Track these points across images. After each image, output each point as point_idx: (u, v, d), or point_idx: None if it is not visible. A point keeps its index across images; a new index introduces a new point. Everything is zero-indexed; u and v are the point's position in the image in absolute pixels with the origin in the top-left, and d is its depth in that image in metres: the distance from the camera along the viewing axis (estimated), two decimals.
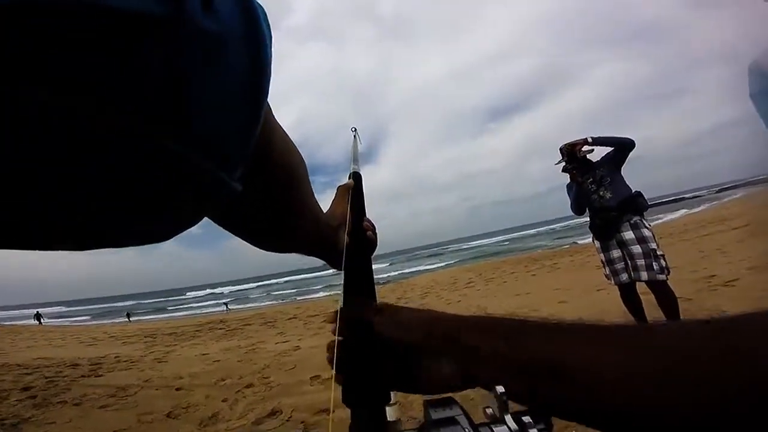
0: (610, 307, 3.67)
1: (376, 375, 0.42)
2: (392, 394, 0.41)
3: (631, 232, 2.58)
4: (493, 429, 0.29)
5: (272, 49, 0.21)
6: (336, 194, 0.55)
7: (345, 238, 0.48)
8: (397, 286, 13.67)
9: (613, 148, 2.76)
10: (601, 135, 2.79)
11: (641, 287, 2.65)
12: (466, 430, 0.26)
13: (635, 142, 2.71)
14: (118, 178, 0.16)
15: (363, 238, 0.53)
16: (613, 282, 2.76)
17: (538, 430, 0.30)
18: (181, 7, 0.15)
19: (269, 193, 0.29)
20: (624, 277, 2.65)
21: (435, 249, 77.80)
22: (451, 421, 0.27)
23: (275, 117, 0.27)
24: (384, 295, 10.65)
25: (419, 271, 25.04)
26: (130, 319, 23.89)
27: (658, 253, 2.50)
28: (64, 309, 60.58)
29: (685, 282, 4.05)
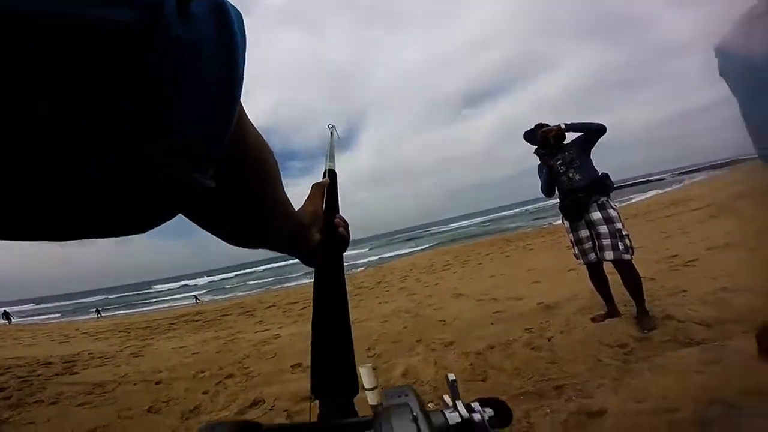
0: (579, 287, 3.85)
1: (347, 368, 0.44)
2: (375, 378, 0.44)
3: (598, 212, 2.68)
4: (446, 414, 0.32)
5: (245, 54, 0.21)
6: (310, 191, 0.56)
7: (317, 235, 0.49)
8: (377, 270, 13.80)
9: (583, 133, 2.85)
10: (573, 121, 2.86)
11: (608, 267, 2.78)
12: (414, 413, 0.28)
13: (606, 127, 2.79)
14: (103, 180, 0.16)
15: (335, 235, 0.54)
16: (582, 261, 2.87)
17: (487, 415, 0.33)
18: (156, 16, 0.15)
19: (242, 190, 0.30)
20: (592, 256, 2.76)
21: (414, 233, 78.48)
22: (403, 406, 0.29)
23: (246, 113, 0.27)
24: (363, 280, 10.76)
25: (398, 255, 25.24)
26: (100, 314, 23.15)
27: (623, 233, 2.61)
28: (33, 307, 58.19)
29: (648, 262, 4.26)
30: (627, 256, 2.58)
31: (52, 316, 30.94)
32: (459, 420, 0.32)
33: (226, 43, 0.19)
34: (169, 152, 0.18)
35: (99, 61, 0.14)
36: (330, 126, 0.99)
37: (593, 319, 2.93)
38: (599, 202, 2.70)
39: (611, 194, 2.77)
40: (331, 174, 0.69)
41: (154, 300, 31.42)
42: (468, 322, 3.83)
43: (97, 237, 0.20)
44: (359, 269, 16.92)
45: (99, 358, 5.52)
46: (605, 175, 2.77)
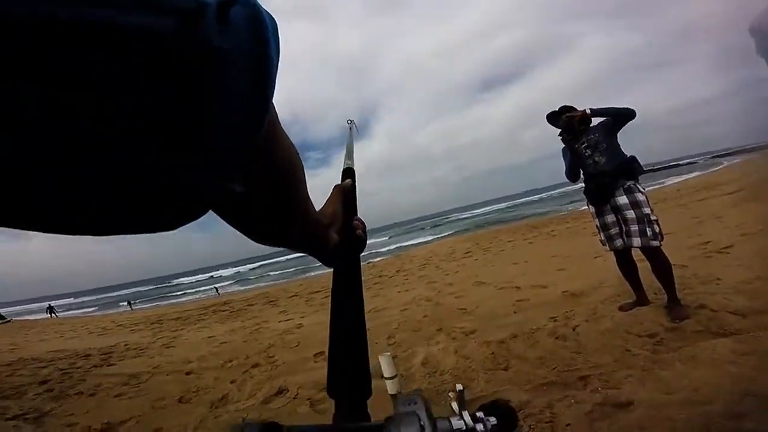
0: (606, 275, 3.74)
1: (362, 368, 0.45)
2: (394, 368, 0.44)
3: (625, 197, 2.57)
4: (451, 421, 0.33)
5: (278, 63, 0.22)
6: (331, 193, 0.57)
7: (335, 237, 0.50)
8: (396, 258, 13.83)
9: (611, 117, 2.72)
10: (594, 106, 2.74)
11: (637, 253, 2.67)
12: (422, 422, 0.30)
13: (635, 111, 2.65)
14: (118, 179, 0.17)
15: (353, 237, 0.55)
16: (608, 248, 2.77)
17: (491, 423, 0.34)
18: (195, 25, 0.16)
19: (270, 191, 0.31)
20: (619, 242, 2.67)
21: (432, 220, 78.14)
22: (411, 414, 0.31)
23: (279, 119, 0.29)
24: (382, 268, 10.81)
25: (417, 243, 25.21)
26: (132, 307, 24.34)
27: (652, 218, 2.49)
28: (72, 300, 61.60)
29: (680, 248, 4.10)
30: (656, 243, 2.47)
31: (89, 309, 32.64)
32: (463, 428, 0.33)
33: (260, 53, 0.20)
34: (198, 160, 0.18)
35: (134, 69, 0.15)
36: (349, 121, 0.97)
37: (621, 308, 2.84)
38: (626, 186, 2.59)
39: (639, 178, 2.65)
40: (348, 173, 0.68)
41: (181, 293, 32.54)
42: (490, 311, 3.79)
43: (130, 233, 0.20)
44: (378, 258, 17.00)
45: (134, 349, 5.78)
46: (633, 158, 2.64)
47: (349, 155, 0.75)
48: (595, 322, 2.75)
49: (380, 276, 9.09)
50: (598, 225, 2.79)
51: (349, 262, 0.54)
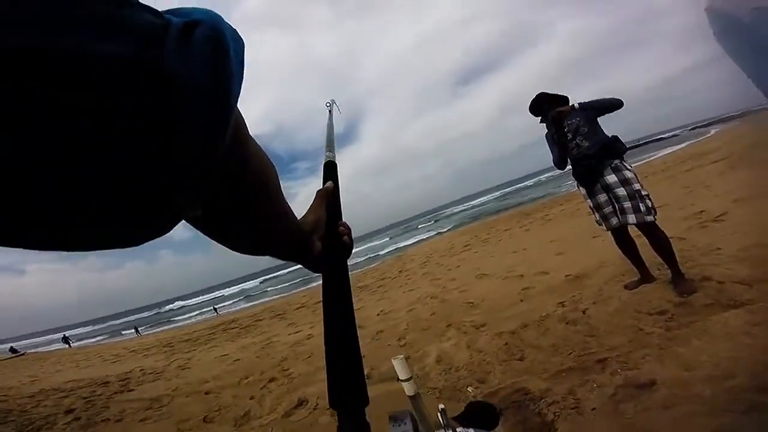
0: (606, 254, 3.78)
1: (355, 376, 0.45)
2: (408, 369, 0.45)
3: (613, 175, 2.60)
4: None
5: (242, 81, 0.22)
6: (314, 198, 0.56)
7: (319, 244, 0.50)
8: (397, 260, 13.83)
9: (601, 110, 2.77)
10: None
11: (635, 230, 2.70)
12: None
13: (623, 102, 2.71)
14: (77, 200, 0.17)
15: (338, 242, 0.53)
16: (605, 227, 2.80)
17: None
18: (154, 47, 0.16)
19: (244, 202, 0.32)
20: (614, 221, 2.69)
21: (429, 216, 78.14)
22: None
23: (248, 127, 0.29)
24: (385, 270, 10.81)
25: (417, 242, 25.20)
26: (138, 333, 24.42)
27: (643, 193, 2.53)
28: (83, 330, 61.12)
29: (675, 220, 4.15)
30: (650, 218, 2.49)
31: (99, 338, 32.48)
32: None
33: (221, 74, 0.20)
34: (158, 183, 0.19)
35: (91, 94, 0.15)
36: (328, 103, 0.87)
37: (626, 287, 2.86)
38: (613, 165, 2.61)
39: (625, 156, 2.68)
40: (330, 167, 0.65)
41: (185, 316, 32.23)
42: (496, 302, 3.80)
43: (99, 248, 0.21)
44: (379, 261, 17.02)
45: (150, 373, 5.77)
46: (615, 138, 2.68)
47: (330, 146, 0.70)
48: (603, 304, 2.77)
49: (383, 278, 9.09)
50: (592, 206, 2.83)
51: (336, 269, 0.52)
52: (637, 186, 2.54)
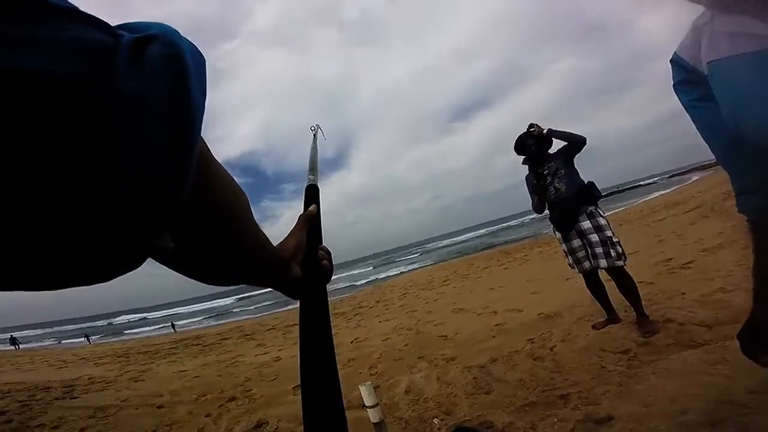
0: (578, 296, 3.85)
1: (334, 404, 0.43)
2: (375, 397, 0.44)
3: (588, 221, 2.70)
4: None
5: (204, 102, 0.21)
6: (296, 223, 0.53)
7: (297, 270, 0.48)
8: (376, 289, 13.74)
9: (566, 143, 2.89)
10: (558, 129, 2.92)
11: (605, 274, 2.79)
12: None
13: (586, 139, 2.84)
14: (46, 239, 0.16)
15: (318, 267, 0.51)
16: (577, 270, 2.88)
17: None
18: (104, 66, 0.15)
19: (212, 233, 0.29)
20: (586, 265, 2.78)
21: (411, 249, 78.21)
22: None
23: (213, 154, 0.27)
24: (362, 299, 10.70)
25: (397, 273, 25.08)
26: (89, 341, 23.15)
27: (614, 240, 2.63)
28: (32, 333, 57.40)
29: (645, 265, 4.30)
30: (620, 263, 2.60)
31: (47, 342, 30.52)
32: None
33: (179, 97, 0.19)
34: (115, 216, 0.17)
35: (39, 118, 0.13)
36: (313, 127, 0.85)
37: (594, 327, 2.92)
38: (588, 211, 2.72)
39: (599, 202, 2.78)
40: (312, 191, 0.62)
41: (138, 330, 30.64)
42: (469, 336, 3.82)
43: (62, 286, 0.19)
44: (358, 290, 16.84)
45: (99, 382, 5.45)
46: (591, 184, 2.79)
47: (313, 169, 0.67)
48: (570, 342, 2.81)
49: (361, 306, 8.99)
50: (566, 249, 2.91)
51: (315, 294, 0.50)
52: (609, 233, 2.64)
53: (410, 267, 28.00)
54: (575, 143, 2.83)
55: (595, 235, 2.66)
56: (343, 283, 28.63)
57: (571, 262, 2.90)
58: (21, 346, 26.93)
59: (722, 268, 3.50)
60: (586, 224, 2.70)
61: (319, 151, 0.77)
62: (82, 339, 26.18)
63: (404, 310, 6.89)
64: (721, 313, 2.53)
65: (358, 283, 26.33)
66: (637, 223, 10.00)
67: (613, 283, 2.72)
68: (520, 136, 3.08)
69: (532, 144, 2.95)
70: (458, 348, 3.53)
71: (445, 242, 64.16)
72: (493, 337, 3.58)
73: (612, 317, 2.90)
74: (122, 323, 48.26)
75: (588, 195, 2.74)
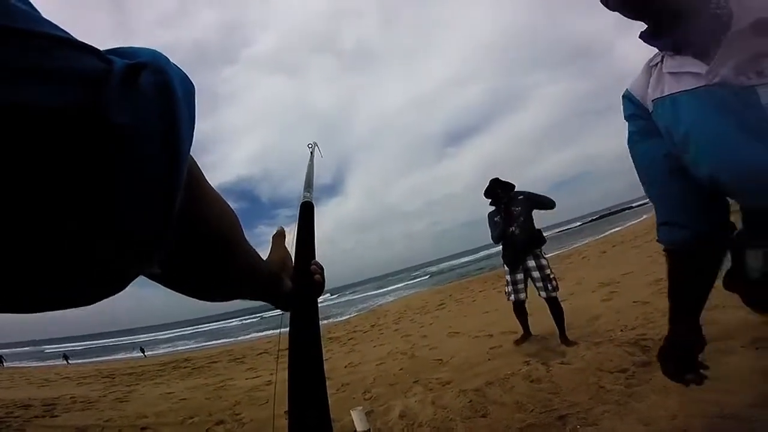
0: (570, 318, 3.78)
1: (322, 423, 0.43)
2: (367, 422, 0.42)
3: (533, 261, 3.33)
4: None
5: (192, 132, 0.21)
6: (272, 242, 0.55)
7: (288, 282, 0.49)
8: (371, 314, 13.57)
9: (538, 199, 3.46)
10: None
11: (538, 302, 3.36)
12: None
13: (555, 203, 3.46)
14: (31, 264, 0.16)
15: (310, 281, 0.52)
16: (511, 299, 3.55)
17: None
18: (96, 96, 0.15)
19: (205, 252, 0.29)
20: (522, 296, 3.48)
21: (407, 273, 77.63)
22: None
23: (207, 179, 0.28)
24: (357, 324, 10.53)
25: (393, 299, 24.78)
26: (68, 361, 22.28)
27: (551, 276, 3.28)
28: (14, 350, 55.36)
29: (640, 286, 4.29)
30: (554, 294, 3.25)
31: (31, 361, 29.37)
32: None
33: (168, 127, 0.19)
34: (107, 245, 0.17)
35: (23, 150, 0.13)
36: (310, 145, 0.86)
37: (515, 342, 3.67)
38: (534, 253, 3.32)
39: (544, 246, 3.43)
40: (307, 208, 0.62)
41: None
42: (465, 360, 3.77)
43: (50, 309, 0.19)
44: (353, 314, 16.62)
45: (81, 402, 5.26)
46: (539, 231, 3.40)
47: (309, 186, 0.68)
48: (567, 363, 2.79)
49: (355, 331, 8.85)
50: (509, 280, 3.54)
51: (306, 307, 0.51)
52: (548, 271, 3.29)
53: (406, 292, 27.71)
54: (545, 205, 3.47)
55: (538, 272, 3.29)
56: (338, 309, 28.22)
57: (509, 290, 3.54)
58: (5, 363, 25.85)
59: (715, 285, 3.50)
60: (531, 263, 3.33)
61: (315, 169, 0.78)
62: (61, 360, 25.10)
63: (399, 334, 6.79)
64: (715, 329, 2.50)
65: (353, 307, 25.93)
66: (629, 245, 10.07)
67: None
68: (489, 184, 3.63)
69: (499, 192, 3.54)
70: (454, 371, 3.48)
71: (442, 266, 63.76)
72: (489, 360, 3.54)
73: (526, 334, 3.71)
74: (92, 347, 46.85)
75: (537, 239, 3.37)
